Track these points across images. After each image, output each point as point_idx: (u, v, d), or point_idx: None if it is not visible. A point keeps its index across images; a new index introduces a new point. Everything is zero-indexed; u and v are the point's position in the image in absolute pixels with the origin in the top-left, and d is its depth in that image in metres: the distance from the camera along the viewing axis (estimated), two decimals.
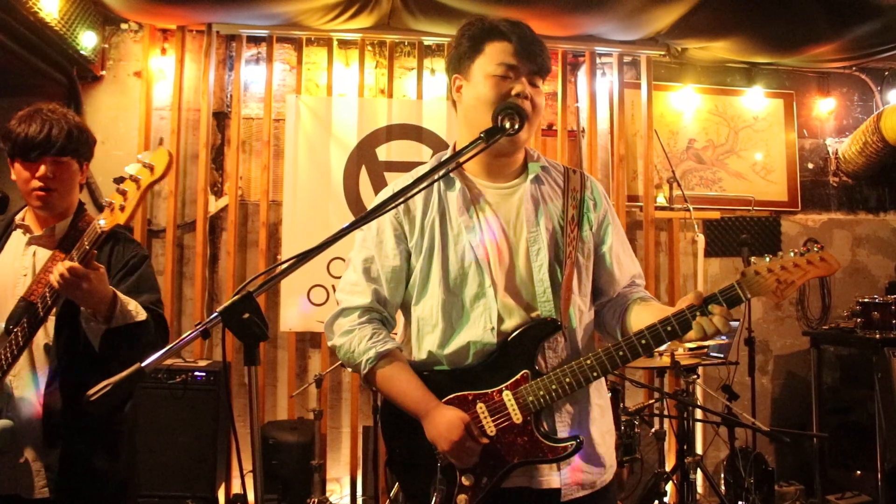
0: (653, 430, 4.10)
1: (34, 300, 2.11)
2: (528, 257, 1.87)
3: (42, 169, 2.16)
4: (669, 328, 1.71)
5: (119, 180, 1.97)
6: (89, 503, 2.18)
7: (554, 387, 1.76)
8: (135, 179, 1.94)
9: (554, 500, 1.81)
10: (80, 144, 2.23)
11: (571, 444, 1.77)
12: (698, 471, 4.05)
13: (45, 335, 2.14)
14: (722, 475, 4.83)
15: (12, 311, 2.11)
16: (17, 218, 2.31)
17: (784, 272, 1.67)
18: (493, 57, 1.85)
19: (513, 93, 1.81)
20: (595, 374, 1.76)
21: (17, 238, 2.28)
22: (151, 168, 1.93)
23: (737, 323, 4.57)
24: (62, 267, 1.92)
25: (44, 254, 2.23)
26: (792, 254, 1.68)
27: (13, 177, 2.23)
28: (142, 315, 2.09)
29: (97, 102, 4.77)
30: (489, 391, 1.81)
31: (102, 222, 1.97)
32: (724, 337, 4.45)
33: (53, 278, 1.95)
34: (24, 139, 2.14)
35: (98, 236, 1.97)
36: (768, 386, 5.33)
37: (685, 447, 3.68)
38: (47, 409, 2.13)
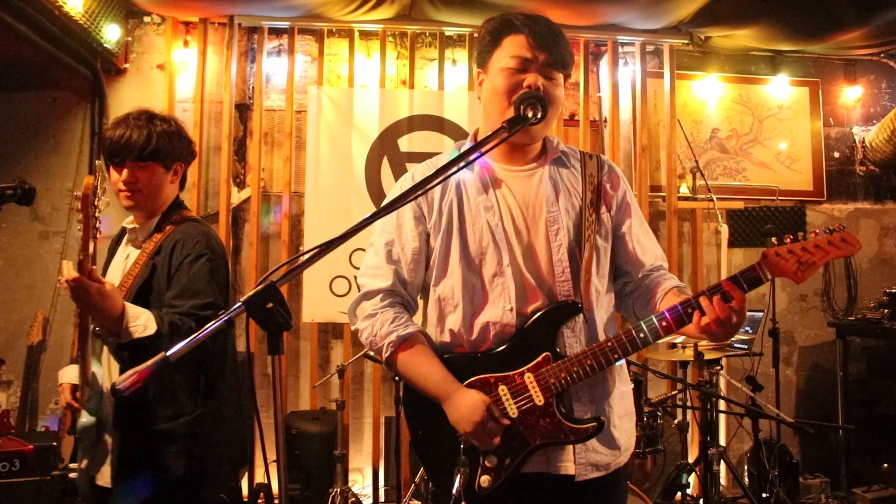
0: (676, 421, 4.07)
1: None
2: (548, 238, 1.88)
3: (125, 173, 2.25)
4: (690, 310, 1.71)
5: None
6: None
7: (576, 369, 1.78)
8: None
9: (569, 482, 1.82)
10: (165, 150, 2.30)
11: (593, 425, 1.78)
12: (721, 462, 4.03)
13: None
14: (745, 467, 4.80)
15: None
16: (126, 221, 2.39)
17: (805, 253, 1.68)
18: (508, 50, 1.88)
19: (524, 84, 1.83)
20: (616, 356, 1.78)
21: (125, 240, 2.38)
22: None
23: (761, 314, 4.53)
24: (67, 274, 1.92)
25: (135, 254, 2.29)
26: (812, 235, 1.68)
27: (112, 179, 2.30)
28: (150, 330, 2.03)
29: (121, 95, 4.81)
30: (511, 373, 1.82)
31: None
32: (748, 328, 4.41)
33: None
34: (108, 144, 2.26)
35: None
36: (793, 377, 5.28)
37: (708, 438, 3.66)
38: (117, 409, 2.16)
